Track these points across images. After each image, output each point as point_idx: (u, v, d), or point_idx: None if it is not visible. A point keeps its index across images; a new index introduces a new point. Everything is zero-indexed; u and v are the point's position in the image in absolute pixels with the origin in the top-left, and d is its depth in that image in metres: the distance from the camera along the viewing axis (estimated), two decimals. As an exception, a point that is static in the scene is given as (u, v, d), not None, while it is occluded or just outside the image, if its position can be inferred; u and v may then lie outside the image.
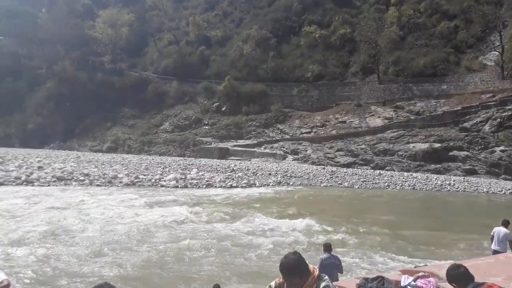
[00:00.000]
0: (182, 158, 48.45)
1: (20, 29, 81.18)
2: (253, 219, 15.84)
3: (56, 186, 24.49)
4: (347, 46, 57.96)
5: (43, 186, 24.27)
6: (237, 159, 46.16)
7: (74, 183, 25.69)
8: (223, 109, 59.12)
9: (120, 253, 10.59)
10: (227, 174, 32.33)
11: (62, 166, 31.60)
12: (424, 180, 32.33)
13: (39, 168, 29.88)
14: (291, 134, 51.10)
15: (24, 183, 24.70)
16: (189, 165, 37.86)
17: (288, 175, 33.02)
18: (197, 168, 34.44)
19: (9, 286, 4.50)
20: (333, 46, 58.84)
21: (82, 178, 26.90)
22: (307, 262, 2.89)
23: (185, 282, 8.71)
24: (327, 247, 7.40)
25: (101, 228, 13.46)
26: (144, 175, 29.13)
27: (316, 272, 2.91)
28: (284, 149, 47.46)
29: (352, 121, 48.66)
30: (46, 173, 27.73)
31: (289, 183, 29.82)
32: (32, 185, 24.20)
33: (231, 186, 27.15)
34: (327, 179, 31.62)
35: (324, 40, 59.42)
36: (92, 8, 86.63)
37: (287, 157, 45.94)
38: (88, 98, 64.56)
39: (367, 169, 39.52)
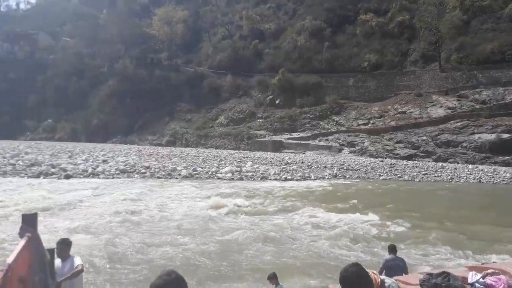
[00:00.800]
0: (237, 151, 49.03)
1: (83, 31, 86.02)
2: (308, 212, 15.64)
3: (120, 178, 25.70)
4: (406, 34, 55.54)
5: (108, 178, 25.56)
6: (291, 152, 45.91)
7: (136, 175, 26.83)
8: (277, 102, 58.98)
9: (178, 243, 10.86)
10: (282, 167, 32.25)
11: (124, 159, 33.08)
12: (491, 173, 30.27)
13: (104, 161, 31.50)
14: (347, 126, 49.97)
15: (91, 175, 26.18)
16: (244, 158, 38.21)
17: (345, 168, 32.32)
18: (251, 161, 34.68)
19: (83, 271, 4.76)
20: (391, 34, 56.62)
21: (143, 170, 28.03)
22: (367, 270, 2.64)
23: (241, 272, 8.75)
24: (392, 248, 7.10)
25: (161, 218, 13.93)
26: (201, 168, 29.79)
27: (379, 280, 2.71)
28: (340, 141, 46.50)
29: (412, 112, 46.63)
30: (110, 166, 29.20)
31: (345, 176, 29.17)
32: (98, 178, 25.59)
33: (286, 179, 27.03)
34: (386, 172, 30.56)
35: (381, 28, 57.33)
36: (149, 7, 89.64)
37: (343, 149, 44.97)
38: (147, 94, 67.06)
39: (429, 162, 37.71)
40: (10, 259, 2.23)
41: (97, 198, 18.09)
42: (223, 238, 11.44)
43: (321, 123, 52.63)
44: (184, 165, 31.13)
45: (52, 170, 27.02)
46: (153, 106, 66.05)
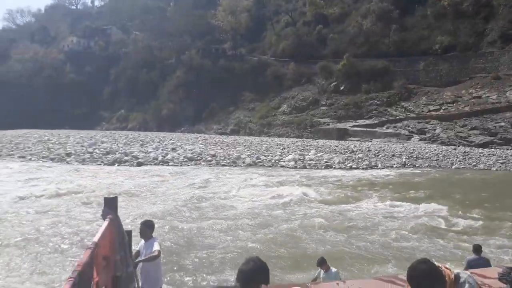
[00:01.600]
0: (300, 139, 48.79)
1: (152, 24, 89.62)
2: (374, 202, 15.25)
3: (188, 166, 26.72)
4: (482, 12, 51.40)
5: (176, 166, 26.68)
6: (357, 140, 44.77)
7: (203, 163, 27.74)
8: (341, 88, 57.63)
9: (244, 230, 11.11)
10: (347, 155, 31.61)
11: (192, 148, 34.27)
12: None
13: (173, 149, 32.88)
14: (416, 112, 47.67)
15: (161, 163, 27.49)
16: (307, 146, 37.95)
17: (414, 156, 30.96)
18: (315, 149, 34.36)
19: (159, 256, 5.00)
20: (465, 13, 52.68)
21: (209, 158, 28.90)
22: (438, 265, 2.46)
23: (305, 260, 8.76)
24: (477, 248, 6.79)
25: (227, 205, 14.31)
26: (265, 156, 30.08)
27: (452, 276, 2.51)
28: (409, 128, 44.50)
29: (488, 96, 43.35)
30: (178, 154, 30.43)
31: (415, 165, 27.95)
32: (167, 165, 26.80)
33: (351, 168, 26.48)
34: (459, 161, 28.83)
35: (454, 8, 53.54)
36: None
37: (413, 137, 43.02)
38: (213, 84, 68.62)
39: (507, 150, 34.96)
40: (95, 238, 2.43)
41: (166, 184, 18.97)
42: (288, 226, 11.51)
43: (389, 109, 50.67)
44: (248, 153, 31.61)
45: (126, 158, 28.73)
46: (218, 96, 67.51)
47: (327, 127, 52.06)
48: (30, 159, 29.89)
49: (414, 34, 56.41)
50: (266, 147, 36.74)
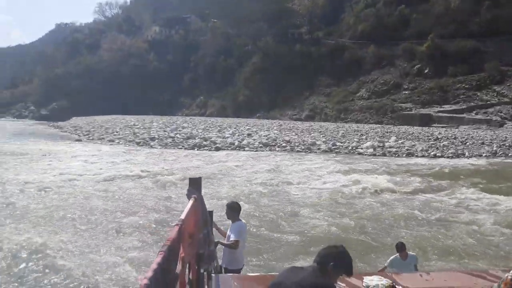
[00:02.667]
0: (379, 125, 46.98)
1: (229, 11, 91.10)
2: (460, 193, 14.23)
3: (263, 151, 27.05)
4: None
5: (252, 151, 27.13)
6: (442, 126, 42.04)
7: (277, 149, 27.91)
8: (425, 71, 54.28)
9: (319, 216, 10.99)
10: (430, 142, 29.83)
11: (267, 133, 34.58)
12: None
13: (248, 135, 33.44)
14: (511, 97, 43.50)
15: (237, 148, 28.14)
16: (387, 132, 36.45)
17: (507, 144, 28.37)
18: (396, 136, 32.89)
19: (234, 247, 5.08)
20: None
21: (284, 144, 28.98)
22: None
23: (382, 250, 8.44)
24: None
25: (301, 191, 14.25)
26: (341, 142, 29.44)
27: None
28: (502, 114, 40.85)
29: None
30: (254, 139, 30.89)
31: (507, 154, 25.62)
32: (243, 150, 27.35)
33: (435, 156, 24.97)
34: (562, 150, 25.91)
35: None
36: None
37: (506, 123, 39.42)
38: (288, 69, 68.33)
39: None
40: (182, 216, 2.51)
41: (243, 169, 19.36)
42: (365, 215, 11.18)
43: (479, 94, 46.84)
44: (323, 139, 31.15)
45: (204, 143, 29.82)
46: (293, 81, 67.14)
47: (409, 112, 49.52)
48: (118, 142, 32.24)
49: (508, 11, 51.11)
50: (343, 133, 35.92)
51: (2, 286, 6.65)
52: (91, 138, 36.68)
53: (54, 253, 8.04)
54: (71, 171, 17.97)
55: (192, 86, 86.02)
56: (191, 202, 2.92)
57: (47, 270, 7.30)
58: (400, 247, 5.99)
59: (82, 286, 6.67)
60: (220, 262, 5.23)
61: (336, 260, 2.43)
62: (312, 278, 2.29)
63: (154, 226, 10.02)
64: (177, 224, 2.24)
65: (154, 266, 1.66)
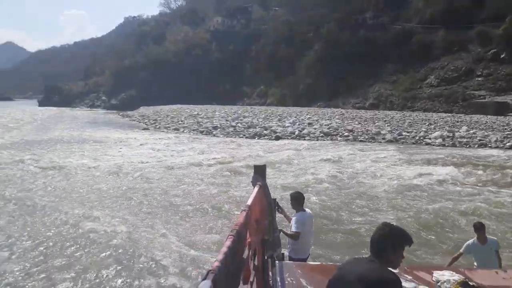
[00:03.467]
0: (449, 114, 44.39)
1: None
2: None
3: (324, 140, 26.68)
4: None
5: (312, 140, 26.86)
6: (520, 115, 38.83)
7: (339, 138, 27.38)
8: (502, 56, 50.20)
9: (385, 209, 10.67)
10: (506, 133, 27.70)
11: (328, 122, 34.03)
12: None
13: (309, 124, 33.11)
14: None
15: (297, 137, 28.00)
16: (457, 122, 34.38)
17: None
18: (467, 126, 30.92)
19: (294, 238, 5.06)
20: None
21: (346, 134, 28.35)
22: None
23: (450, 244, 8.00)
24: None
25: (365, 183, 13.87)
26: (407, 132, 28.23)
27: None
28: None
29: None
30: (315, 129, 30.54)
31: None
32: (304, 139, 27.16)
33: (511, 147, 23.19)
34: None
35: None
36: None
37: None
38: (351, 56, 66.40)
39: None
40: (249, 202, 2.54)
41: (304, 158, 19.24)
42: (433, 208, 10.63)
43: None
44: (389, 129, 30.05)
45: (265, 132, 30.00)
46: (357, 69, 65.20)
47: (483, 100, 46.23)
48: (183, 131, 33.41)
49: None
50: (409, 122, 34.40)
51: (76, 265, 7.17)
52: (157, 127, 38.34)
53: (123, 235, 8.54)
54: (139, 158, 18.95)
55: (253, 75, 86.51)
56: (256, 189, 2.94)
57: (117, 251, 7.77)
58: (479, 228, 5.37)
59: (150, 268, 7.02)
60: (287, 252, 5.25)
61: (390, 241, 2.33)
62: (375, 271, 2.19)
63: (217, 212, 10.29)
64: (244, 210, 2.26)
65: (224, 249, 1.69)
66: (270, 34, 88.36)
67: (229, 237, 1.85)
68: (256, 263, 2.82)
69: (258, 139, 27.98)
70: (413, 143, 25.33)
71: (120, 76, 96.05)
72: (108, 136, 30.36)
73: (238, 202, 11.07)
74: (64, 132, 33.29)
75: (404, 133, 27.72)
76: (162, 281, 6.50)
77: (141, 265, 7.09)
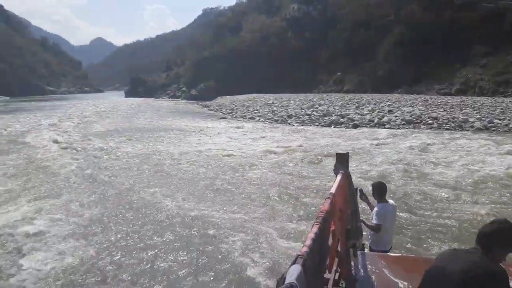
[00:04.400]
0: (549, 99, 39.98)
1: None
2: None
3: (405, 129, 25.47)
4: None
5: (393, 128, 25.76)
6: None
7: (422, 126, 25.96)
8: None
9: (476, 201, 9.97)
10: None
11: (410, 109, 32.37)
12: None
13: (389, 112, 31.76)
14: None
15: (376, 125, 27.03)
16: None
17: None
18: None
19: (374, 230, 4.92)
20: None
21: (430, 121, 26.78)
22: None
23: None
24: None
25: (456, 173, 13.01)
26: (499, 120, 25.93)
27: None
28: None
29: None
30: (395, 116, 29.24)
31: None
32: (383, 127, 26.15)
33: None
34: None
35: None
36: None
37: None
38: (435, 39, 62.35)
39: None
40: (332, 190, 2.52)
41: (384, 147, 18.56)
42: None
43: None
44: (478, 116, 27.84)
45: (341, 120, 29.35)
46: (441, 52, 61.10)
47: None
48: (258, 120, 33.86)
49: None
50: (502, 109, 31.54)
51: (161, 249, 7.63)
52: (234, 116, 39.27)
53: (208, 221, 8.92)
54: (217, 146, 19.60)
55: (329, 62, 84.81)
56: (339, 177, 2.89)
57: (203, 238, 8.14)
58: None
59: (237, 253, 7.26)
60: (368, 243, 5.14)
61: (504, 237, 2.18)
62: (481, 263, 2.08)
63: (294, 200, 10.33)
64: (328, 198, 2.24)
65: (311, 235, 1.69)
66: (347, 19, 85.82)
67: (316, 223, 1.85)
68: (339, 251, 2.80)
69: (334, 127, 27.50)
70: (506, 131, 23.24)
71: (199, 67, 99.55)
72: (188, 125, 31.77)
73: (316, 190, 11.03)
74: (149, 121, 35.47)
75: (495, 121, 25.53)
76: (248, 265, 6.69)
77: (224, 250, 7.37)
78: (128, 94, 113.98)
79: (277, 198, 10.46)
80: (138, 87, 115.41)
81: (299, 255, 1.51)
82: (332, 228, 2.37)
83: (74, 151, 18.91)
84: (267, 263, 6.73)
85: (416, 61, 63.67)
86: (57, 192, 11.42)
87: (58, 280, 6.33)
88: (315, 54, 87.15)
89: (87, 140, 22.68)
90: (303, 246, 1.59)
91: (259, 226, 8.46)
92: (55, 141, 21.83)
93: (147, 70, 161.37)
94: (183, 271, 6.54)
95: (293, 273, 1.35)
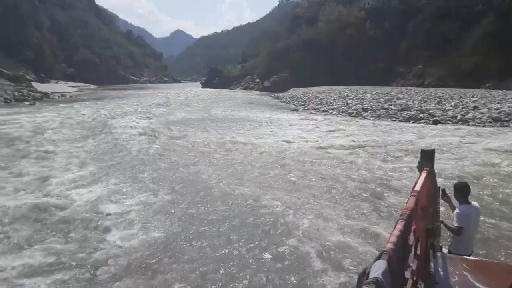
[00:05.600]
0: None
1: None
2: None
3: (493, 127, 23.63)
4: None
5: (478, 126, 24.02)
6: None
7: (511, 125, 23.93)
8: None
9: None
10: None
11: (498, 106, 29.91)
12: None
13: (474, 108, 29.62)
14: None
15: (459, 122, 25.37)
16: None
17: None
18: None
19: (455, 233, 4.63)
20: None
21: (522, 120, 24.60)
22: None
23: None
24: None
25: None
26: None
27: None
28: None
29: None
30: (481, 113, 27.20)
31: None
32: (467, 124, 24.48)
33: None
34: None
35: None
36: None
37: None
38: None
39: None
40: (417, 187, 2.44)
41: (468, 145, 17.39)
42: None
43: None
44: None
45: (421, 115, 27.91)
46: (538, 44, 55.51)
47: None
48: (331, 113, 33.33)
49: None
50: None
51: (230, 237, 7.87)
52: (306, 108, 39.01)
53: (283, 211, 9.04)
54: (289, 138, 19.64)
55: (408, 54, 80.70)
56: (423, 174, 2.79)
57: (276, 229, 8.27)
58: None
59: (314, 249, 7.28)
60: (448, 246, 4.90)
61: None
62: None
63: (371, 197, 10.07)
64: (413, 195, 2.18)
65: (396, 232, 1.67)
66: (430, 8, 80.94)
67: (400, 220, 1.82)
68: (418, 251, 2.71)
69: (413, 122, 26.25)
70: None
71: (274, 59, 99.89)
72: (260, 116, 32.16)
73: (393, 188, 10.67)
74: (223, 111, 36.50)
75: None
76: (328, 259, 6.70)
77: (305, 244, 7.42)
78: (204, 85, 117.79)
79: (353, 195, 10.25)
80: (214, 78, 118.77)
81: (384, 251, 1.50)
82: (414, 226, 2.31)
83: (154, 137, 20.07)
84: (347, 260, 6.67)
85: (506, 54, 58.51)
86: (138, 175, 12.24)
87: (139, 254, 6.82)
88: (394, 45, 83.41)
89: (167, 127, 23.96)
90: (387, 243, 1.58)
91: (337, 220, 8.39)
92: (137, 127, 23.33)
93: (223, 62, 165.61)
94: (256, 259, 6.71)
95: (378, 268, 1.35)
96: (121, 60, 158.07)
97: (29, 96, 47.32)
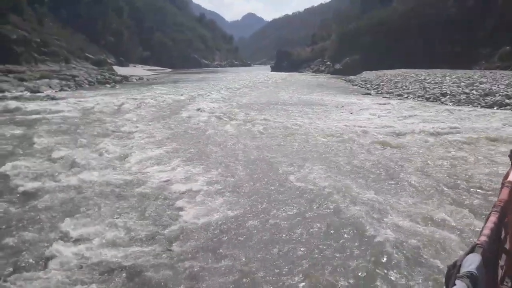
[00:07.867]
0: None
1: None
2: None
3: None
4: None
5: None
6: None
7: None
8: None
9: None
10: None
11: None
12: None
13: None
14: None
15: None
16: None
17: None
18: None
19: None
20: None
21: None
22: None
23: None
24: None
25: None
26: None
27: None
28: None
29: None
30: None
31: None
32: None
33: None
34: None
35: None
36: None
37: None
38: None
39: None
40: (510, 177, 2.26)
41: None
42: None
43: None
44: None
45: (507, 101, 25.69)
46: None
47: None
48: (407, 97, 31.80)
49: None
50: None
51: (268, 223, 7.87)
52: (379, 92, 37.59)
53: (340, 198, 8.88)
54: (360, 123, 19.08)
55: (494, 34, 74.19)
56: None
57: (343, 217, 8.15)
58: None
59: (389, 239, 7.12)
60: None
61: None
62: None
63: (455, 189, 9.48)
64: (507, 186, 2.02)
65: (490, 224, 1.56)
66: (524, -17, 73.38)
67: (493, 212, 1.70)
68: (508, 246, 2.52)
69: (497, 109, 24.23)
70: None
71: (344, 41, 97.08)
72: (331, 100, 31.56)
73: (479, 179, 9.99)
74: (292, 95, 36.31)
75: None
76: (407, 251, 6.53)
77: (373, 235, 7.28)
78: (273, 68, 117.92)
79: (434, 186, 9.70)
80: (283, 61, 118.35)
81: (477, 244, 1.41)
82: (506, 220, 2.14)
83: (227, 119, 20.54)
84: (427, 252, 6.43)
85: None
86: (212, 155, 12.66)
87: (211, 233, 7.09)
88: (477, 25, 77.13)
89: (239, 110, 24.41)
90: (480, 235, 1.48)
91: (408, 210, 8.09)
92: (213, 110, 24.08)
93: (293, 44, 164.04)
94: (321, 248, 6.69)
95: (472, 261, 1.26)
96: (193, 43, 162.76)
97: (110, 79, 50.73)
